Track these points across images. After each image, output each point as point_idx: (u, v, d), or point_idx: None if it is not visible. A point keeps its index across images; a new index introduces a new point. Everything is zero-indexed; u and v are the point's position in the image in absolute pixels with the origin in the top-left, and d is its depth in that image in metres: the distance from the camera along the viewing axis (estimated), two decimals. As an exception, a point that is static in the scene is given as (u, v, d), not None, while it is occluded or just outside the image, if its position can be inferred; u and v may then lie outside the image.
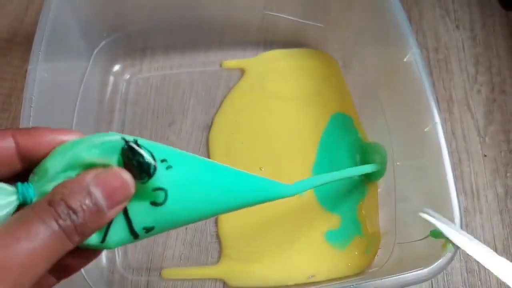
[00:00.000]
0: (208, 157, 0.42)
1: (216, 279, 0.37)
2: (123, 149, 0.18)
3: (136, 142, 0.18)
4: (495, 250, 0.39)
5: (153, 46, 0.45)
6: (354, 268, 0.37)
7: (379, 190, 0.40)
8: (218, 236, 0.39)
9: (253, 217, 0.39)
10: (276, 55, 0.46)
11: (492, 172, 0.42)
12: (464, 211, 0.41)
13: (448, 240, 0.28)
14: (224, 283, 0.37)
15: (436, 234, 0.32)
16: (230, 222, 0.39)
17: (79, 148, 0.18)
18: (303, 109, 0.44)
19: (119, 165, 0.18)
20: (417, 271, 0.28)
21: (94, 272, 0.36)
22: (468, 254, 0.39)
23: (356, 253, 0.38)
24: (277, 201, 0.26)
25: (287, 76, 0.45)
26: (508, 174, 0.42)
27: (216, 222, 0.39)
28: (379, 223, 0.39)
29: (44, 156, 0.18)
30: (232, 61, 0.46)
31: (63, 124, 0.36)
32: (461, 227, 0.29)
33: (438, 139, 0.31)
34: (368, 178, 0.40)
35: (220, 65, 0.46)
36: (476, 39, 0.48)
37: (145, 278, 0.37)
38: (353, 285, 0.28)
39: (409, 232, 0.34)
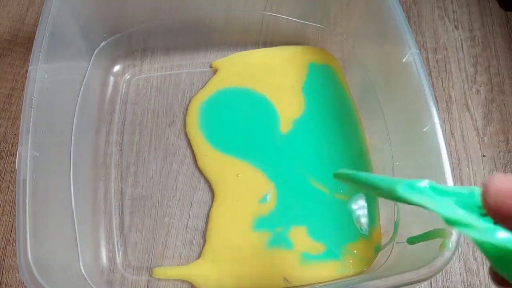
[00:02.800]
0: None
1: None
2: None
3: None
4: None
5: (154, 47, 0.46)
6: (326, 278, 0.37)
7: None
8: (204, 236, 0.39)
9: (240, 222, 0.39)
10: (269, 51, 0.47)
11: (491, 172, 0.42)
12: (463, 211, 0.41)
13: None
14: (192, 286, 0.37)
15: (413, 240, 0.32)
16: (218, 224, 0.39)
17: None
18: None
19: None
20: (416, 270, 0.28)
21: (94, 271, 0.36)
22: (467, 254, 0.39)
23: (330, 271, 0.38)
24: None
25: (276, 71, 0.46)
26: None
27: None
28: (380, 222, 0.39)
29: None
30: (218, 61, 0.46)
31: (63, 124, 0.36)
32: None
33: (437, 139, 0.31)
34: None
35: (210, 66, 0.46)
36: (475, 39, 0.48)
37: (145, 278, 0.37)
38: (352, 285, 0.28)
39: (408, 232, 0.34)
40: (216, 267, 0.37)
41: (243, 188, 0.40)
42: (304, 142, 0.42)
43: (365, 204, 0.40)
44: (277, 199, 0.40)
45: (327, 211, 0.39)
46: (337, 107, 0.44)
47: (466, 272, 0.39)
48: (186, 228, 0.39)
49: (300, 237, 0.38)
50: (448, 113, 0.45)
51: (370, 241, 0.38)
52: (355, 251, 0.38)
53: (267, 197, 0.40)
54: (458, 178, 0.42)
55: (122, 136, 0.42)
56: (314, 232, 0.38)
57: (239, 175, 0.40)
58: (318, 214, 0.39)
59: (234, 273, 0.37)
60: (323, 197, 0.40)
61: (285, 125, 0.43)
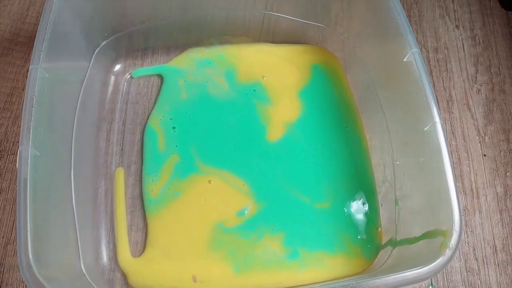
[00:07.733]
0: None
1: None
2: None
3: None
4: (495, 248, 0.39)
5: (154, 46, 0.46)
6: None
7: (379, 189, 0.40)
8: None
9: (202, 223, 0.39)
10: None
11: (492, 172, 0.42)
12: (464, 210, 0.41)
13: None
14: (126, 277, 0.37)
15: (396, 243, 0.32)
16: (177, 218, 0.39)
17: None
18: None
19: None
20: (417, 270, 0.28)
21: (95, 270, 0.36)
22: (468, 254, 0.39)
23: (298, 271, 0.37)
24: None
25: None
26: (507, 174, 0.42)
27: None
28: (381, 222, 0.39)
29: None
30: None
31: (64, 123, 0.36)
32: (461, 226, 0.29)
33: (438, 139, 0.31)
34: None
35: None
36: (476, 38, 0.48)
37: (146, 277, 0.37)
38: (352, 284, 0.28)
39: (408, 231, 0.34)
40: (154, 264, 0.37)
41: (214, 192, 0.39)
42: (296, 148, 0.41)
43: (363, 210, 0.39)
44: (255, 213, 0.39)
45: (308, 224, 0.38)
46: (337, 107, 0.44)
47: (466, 272, 0.39)
48: (187, 227, 0.39)
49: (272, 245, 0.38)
50: (449, 112, 0.45)
51: (351, 255, 0.38)
52: (324, 260, 0.37)
53: (245, 212, 0.39)
54: (458, 177, 0.42)
55: (123, 135, 0.42)
56: (289, 240, 0.38)
57: (211, 182, 0.40)
58: (297, 226, 0.38)
59: (171, 273, 0.37)
60: (304, 209, 0.39)
61: (276, 130, 0.42)
